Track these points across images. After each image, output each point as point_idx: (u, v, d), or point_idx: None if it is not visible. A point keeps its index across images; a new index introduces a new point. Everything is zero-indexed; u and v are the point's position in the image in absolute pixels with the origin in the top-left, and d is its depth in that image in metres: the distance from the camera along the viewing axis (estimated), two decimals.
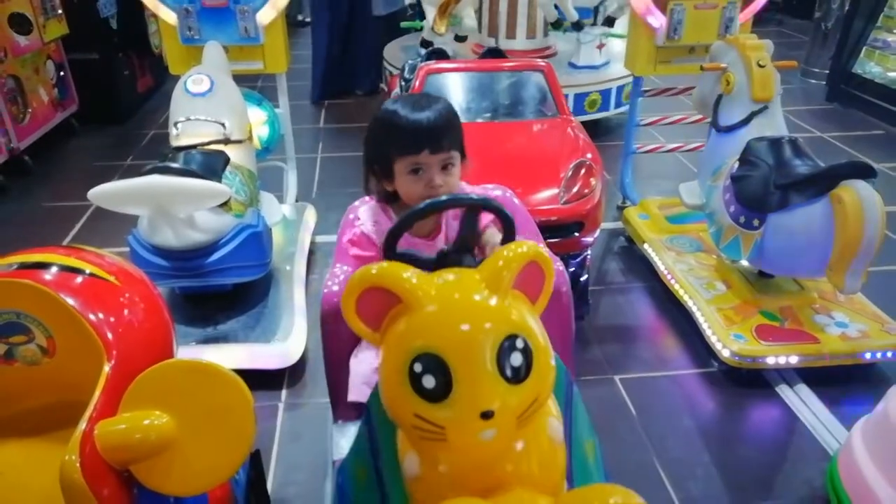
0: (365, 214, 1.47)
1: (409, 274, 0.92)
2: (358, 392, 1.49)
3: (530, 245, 0.97)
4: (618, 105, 4.47)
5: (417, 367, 0.88)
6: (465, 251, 1.17)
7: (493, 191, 1.74)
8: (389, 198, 1.46)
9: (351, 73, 5.46)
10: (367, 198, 1.54)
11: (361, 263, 1.44)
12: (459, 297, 0.93)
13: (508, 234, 1.19)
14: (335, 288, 1.53)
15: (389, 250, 1.16)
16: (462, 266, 1.07)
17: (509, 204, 1.69)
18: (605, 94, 4.40)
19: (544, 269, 1.00)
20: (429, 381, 0.87)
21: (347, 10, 5.27)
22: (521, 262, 0.95)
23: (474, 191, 1.53)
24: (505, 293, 0.93)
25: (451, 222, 1.46)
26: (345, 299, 0.94)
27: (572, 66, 4.53)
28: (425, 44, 4.80)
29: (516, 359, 0.88)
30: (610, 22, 4.50)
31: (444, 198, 1.19)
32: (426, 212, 1.17)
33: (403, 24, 5.37)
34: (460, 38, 4.97)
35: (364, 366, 1.49)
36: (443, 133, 1.34)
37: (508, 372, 0.88)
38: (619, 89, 4.43)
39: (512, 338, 0.89)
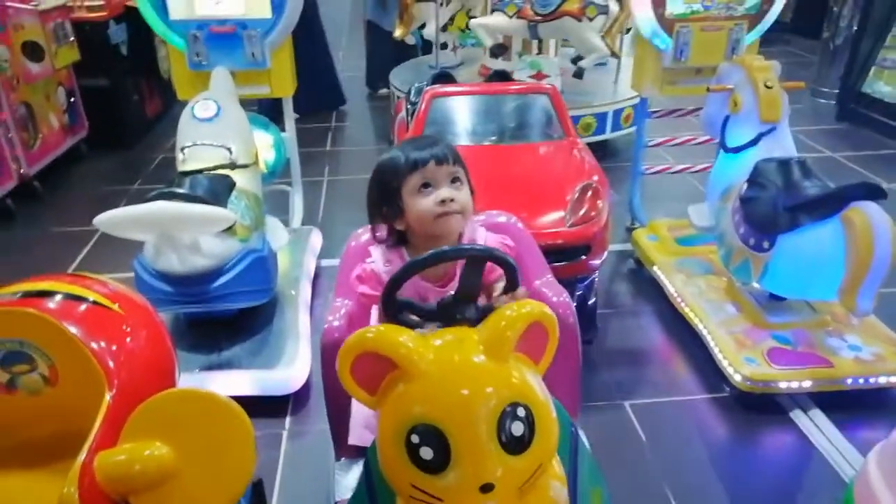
0: (377, 252, 1.45)
1: (406, 338, 0.91)
2: (358, 436, 1.46)
3: (534, 305, 0.95)
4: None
5: (415, 439, 0.86)
6: (466, 301, 1.09)
7: (498, 217, 1.70)
8: (400, 240, 1.44)
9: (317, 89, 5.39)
10: (369, 226, 1.52)
11: (369, 302, 1.42)
12: (457, 362, 0.91)
13: (510, 284, 1.14)
14: (336, 323, 1.51)
15: (389, 298, 1.11)
16: (465, 317, 1.05)
17: (515, 231, 1.65)
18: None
19: (547, 327, 0.97)
20: (426, 453, 0.86)
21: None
22: (524, 324, 0.93)
23: (480, 232, 1.48)
24: (505, 357, 0.91)
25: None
26: (340, 363, 0.93)
27: None
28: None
29: (517, 428, 0.87)
30: (579, 74, 4.46)
31: (447, 248, 1.12)
32: (430, 262, 1.10)
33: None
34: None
35: (365, 408, 1.46)
36: (445, 150, 1.37)
37: (509, 442, 0.86)
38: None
39: (513, 405, 0.87)
